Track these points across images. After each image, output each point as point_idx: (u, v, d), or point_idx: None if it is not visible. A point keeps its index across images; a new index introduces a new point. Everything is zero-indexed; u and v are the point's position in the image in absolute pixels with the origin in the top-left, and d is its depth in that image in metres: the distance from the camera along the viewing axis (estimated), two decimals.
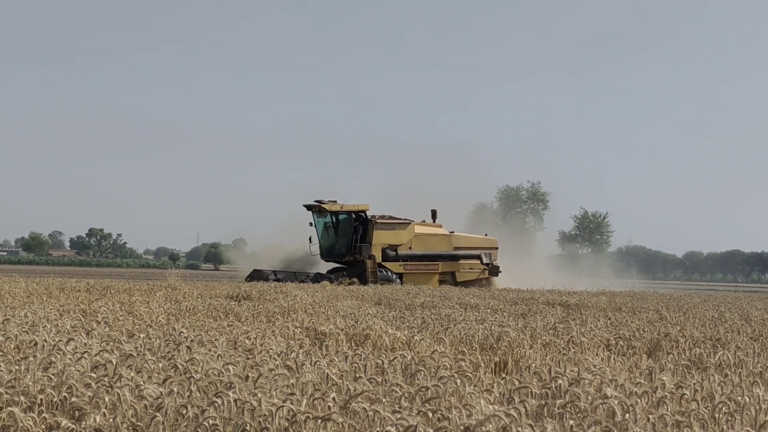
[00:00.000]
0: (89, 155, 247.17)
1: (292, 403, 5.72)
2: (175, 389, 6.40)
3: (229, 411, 5.80)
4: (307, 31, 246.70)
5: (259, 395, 5.91)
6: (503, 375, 9.19)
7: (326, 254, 40.90)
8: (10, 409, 5.61)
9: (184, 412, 5.81)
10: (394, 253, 40.19)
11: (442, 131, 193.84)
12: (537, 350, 10.77)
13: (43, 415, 5.77)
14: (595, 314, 17.95)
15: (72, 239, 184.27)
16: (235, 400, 5.86)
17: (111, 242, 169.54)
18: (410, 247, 40.62)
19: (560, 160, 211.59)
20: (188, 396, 6.37)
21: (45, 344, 8.34)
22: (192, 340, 9.33)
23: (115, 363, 7.15)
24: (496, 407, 5.92)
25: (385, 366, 8.09)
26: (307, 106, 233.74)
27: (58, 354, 7.56)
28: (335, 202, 40.35)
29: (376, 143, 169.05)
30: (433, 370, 7.98)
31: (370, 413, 5.65)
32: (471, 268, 41.40)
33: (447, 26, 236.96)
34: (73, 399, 6.09)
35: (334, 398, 6.15)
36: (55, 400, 6.11)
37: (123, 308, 14.96)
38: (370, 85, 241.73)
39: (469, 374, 7.83)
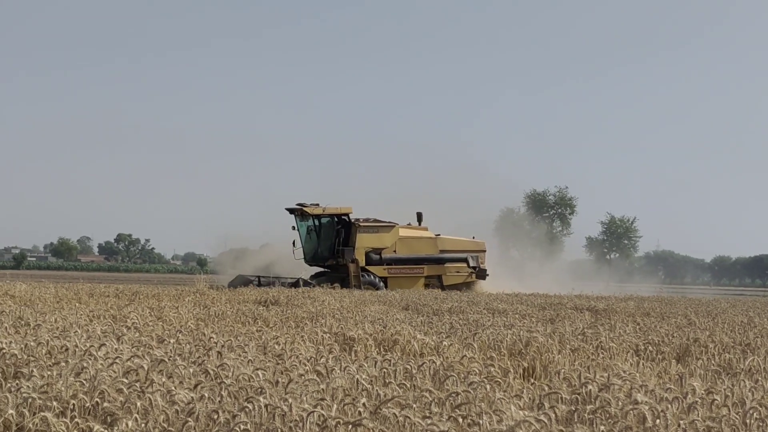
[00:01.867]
0: (118, 161, 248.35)
1: (322, 409, 5.75)
2: (207, 394, 6.44)
3: (260, 416, 5.83)
4: (314, 40, 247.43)
5: (290, 400, 5.94)
6: (532, 380, 9.20)
7: (310, 258, 40.63)
8: (42, 414, 5.67)
9: (216, 417, 5.85)
10: (378, 256, 39.38)
11: (464, 137, 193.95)
12: (566, 356, 10.75)
13: (76, 420, 5.83)
14: (624, 319, 17.88)
15: (100, 245, 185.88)
16: (266, 406, 5.88)
17: (139, 248, 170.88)
18: (395, 251, 39.92)
19: (586, 164, 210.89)
20: (219, 401, 6.41)
21: (76, 350, 8.41)
22: (222, 346, 9.38)
23: (146, 368, 7.20)
24: (526, 413, 5.92)
25: (414, 371, 8.10)
26: (329, 112, 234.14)
27: (90, 359, 7.60)
28: (317, 205, 39.90)
29: (395, 150, 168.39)
30: (463, 375, 7.98)
31: (401, 419, 5.67)
32: (458, 272, 40.73)
33: (469, 31, 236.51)
34: (106, 404, 6.14)
35: (364, 404, 6.18)
36: (87, 405, 6.16)
37: (152, 313, 15.06)
38: (395, 90, 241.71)
39: (499, 380, 7.83)
